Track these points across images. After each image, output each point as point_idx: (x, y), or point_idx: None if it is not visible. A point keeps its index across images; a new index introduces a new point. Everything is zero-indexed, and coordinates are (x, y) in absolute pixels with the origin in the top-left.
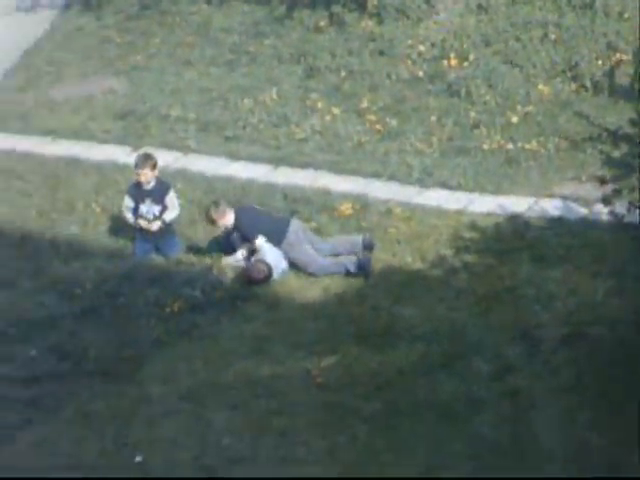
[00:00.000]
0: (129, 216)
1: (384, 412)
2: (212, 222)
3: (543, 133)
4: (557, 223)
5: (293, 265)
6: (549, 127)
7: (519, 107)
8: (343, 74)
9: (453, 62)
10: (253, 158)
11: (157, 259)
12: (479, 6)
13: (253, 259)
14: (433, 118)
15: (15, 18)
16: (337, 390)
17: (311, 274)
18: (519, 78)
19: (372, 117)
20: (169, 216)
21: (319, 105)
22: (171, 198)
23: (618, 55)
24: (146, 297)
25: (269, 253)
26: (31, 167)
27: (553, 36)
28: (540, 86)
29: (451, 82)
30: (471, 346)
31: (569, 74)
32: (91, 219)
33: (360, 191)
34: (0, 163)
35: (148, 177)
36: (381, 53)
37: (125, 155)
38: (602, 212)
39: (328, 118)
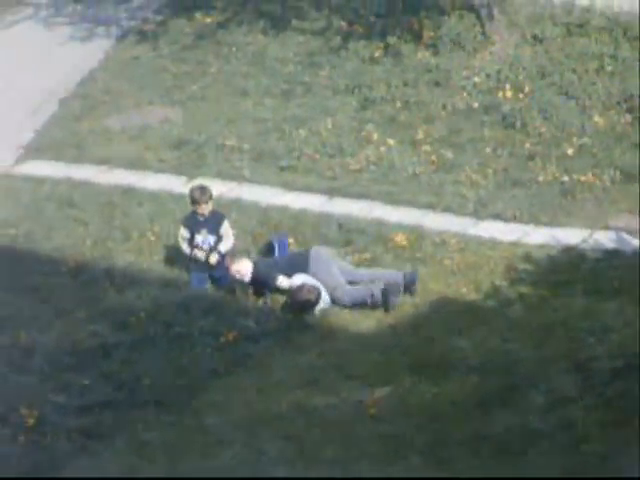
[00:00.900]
0: (185, 247)
1: (438, 444)
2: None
3: (598, 165)
4: (612, 255)
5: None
6: (604, 159)
7: (574, 139)
8: (398, 105)
9: (508, 93)
10: (308, 188)
11: (212, 289)
12: (534, 37)
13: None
14: (488, 149)
15: (70, 47)
16: (391, 421)
17: (340, 301)
18: (574, 110)
19: (427, 148)
20: (224, 247)
21: (374, 136)
22: (226, 228)
23: None
24: (201, 327)
25: (298, 279)
26: (87, 196)
27: (609, 68)
28: (595, 118)
29: (506, 113)
30: (525, 378)
31: (624, 106)
32: (146, 248)
33: (415, 222)
34: (56, 192)
35: (206, 210)
36: (436, 84)
37: (180, 185)
38: None
39: (383, 149)
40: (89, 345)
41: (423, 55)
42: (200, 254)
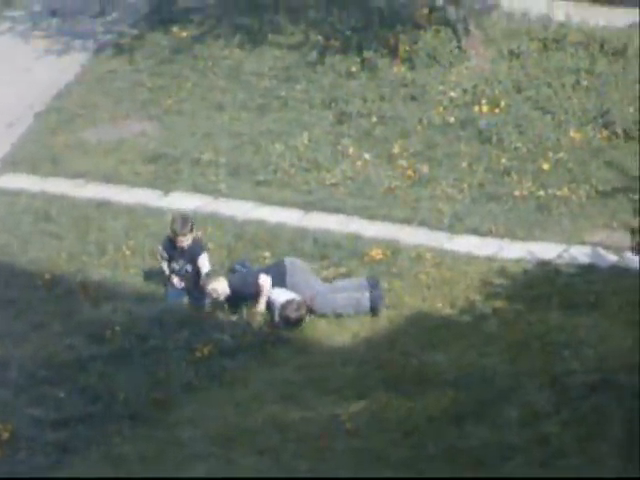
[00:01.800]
0: (164, 266)
1: (413, 458)
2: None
3: (574, 180)
4: (587, 270)
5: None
6: (580, 174)
7: (550, 154)
8: (374, 119)
9: (484, 108)
10: (284, 203)
11: (188, 305)
12: (511, 52)
13: (286, 299)
14: (464, 164)
15: (47, 61)
16: (366, 436)
17: (320, 310)
18: (550, 125)
19: (403, 163)
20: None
21: (350, 150)
22: (203, 260)
23: None
24: (176, 341)
25: (277, 293)
26: (62, 210)
27: (585, 83)
28: (572, 133)
29: (482, 128)
30: (501, 393)
31: (601, 121)
32: (121, 262)
33: (391, 236)
34: (32, 205)
35: (185, 242)
36: (412, 99)
37: (156, 199)
38: (633, 260)
39: (359, 163)
40: (64, 358)
41: (399, 70)
42: (176, 280)
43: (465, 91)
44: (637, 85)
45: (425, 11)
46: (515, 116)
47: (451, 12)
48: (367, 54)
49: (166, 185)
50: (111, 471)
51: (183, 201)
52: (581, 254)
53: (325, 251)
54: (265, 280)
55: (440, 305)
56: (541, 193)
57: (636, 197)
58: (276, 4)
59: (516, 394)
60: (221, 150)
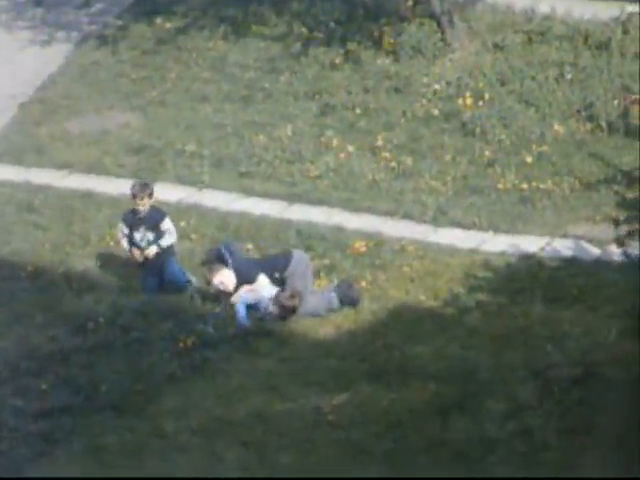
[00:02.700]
0: (125, 244)
1: (396, 451)
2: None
3: (558, 173)
4: (570, 263)
5: None
6: (564, 167)
7: (534, 147)
8: (358, 111)
9: (468, 101)
10: (267, 194)
11: (167, 296)
12: (495, 45)
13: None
14: (448, 157)
15: (30, 52)
16: (348, 428)
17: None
18: (534, 118)
19: (387, 155)
20: (165, 241)
21: (334, 142)
22: (167, 224)
23: (633, 96)
24: (159, 332)
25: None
26: (46, 200)
27: (569, 76)
28: (555, 126)
29: (466, 121)
30: (484, 385)
31: (584, 114)
32: (105, 253)
33: (374, 229)
34: (15, 196)
35: (146, 206)
36: (397, 91)
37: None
38: (615, 253)
39: (343, 155)
40: (47, 350)
41: (383, 62)
42: (137, 253)
43: (449, 84)
44: (620, 78)
45: (409, 3)
46: (499, 109)
47: (435, 4)
48: (351, 46)
49: (150, 176)
50: (94, 462)
51: (167, 192)
52: (564, 247)
53: (309, 243)
54: (263, 281)
55: (423, 297)
56: (524, 186)
57: (620, 189)
58: None
59: (499, 387)
60: (205, 141)
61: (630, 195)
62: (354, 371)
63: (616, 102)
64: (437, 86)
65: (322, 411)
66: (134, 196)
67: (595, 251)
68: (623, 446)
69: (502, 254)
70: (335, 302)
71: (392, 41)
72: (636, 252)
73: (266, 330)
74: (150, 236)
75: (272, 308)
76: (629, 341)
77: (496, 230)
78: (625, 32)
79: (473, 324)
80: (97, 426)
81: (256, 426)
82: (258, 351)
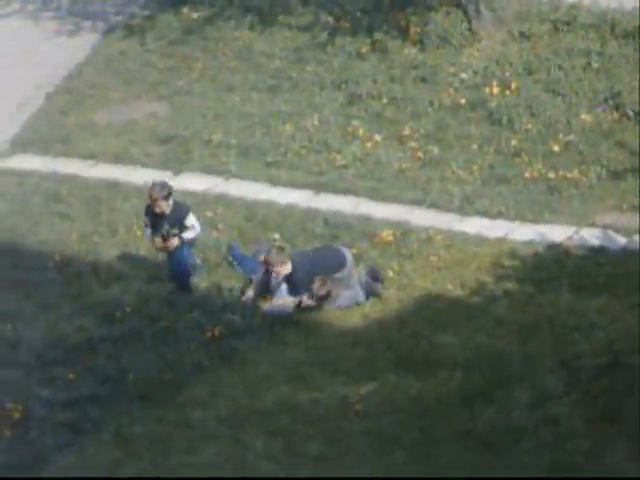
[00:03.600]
0: (148, 233)
1: (423, 440)
2: (269, 264)
3: (584, 162)
4: (597, 252)
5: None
6: (591, 156)
7: (561, 136)
8: (385, 101)
9: (495, 90)
10: (294, 184)
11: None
12: (521, 34)
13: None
14: (474, 146)
15: (57, 42)
16: (375, 417)
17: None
18: (561, 107)
19: (413, 144)
20: (189, 235)
21: (360, 132)
22: (191, 220)
23: None
24: (187, 321)
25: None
26: (72, 190)
27: (596, 65)
28: (582, 115)
29: (493, 110)
30: (511, 374)
31: (611, 103)
32: (132, 243)
33: (401, 218)
34: (42, 186)
35: (163, 208)
36: (423, 80)
37: (167, 179)
38: None
39: (369, 145)
40: (75, 339)
41: (410, 51)
42: (158, 242)
43: (476, 73)
44: None
45: None
46: (526, 98)
47: None
48: (378, 35)
49: (176, 166)
50: (121, 452)
51: (193, 182)
52: (591, 236)
53: (335, 232)
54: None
55: (450, 287)
56: (551, 175)
57: None
58: None
59: (526, 376)
60: (231, 131)
61: None
62: (381, 360)
63: None
64: (464, 75)
65: (349, 400)
66: (152, 198)
67: (622, 240)
68: None
69: (529, 243)
70: (362, 296)
71: (419, 30)
72: None
73: (293, 320)
74: (174, 231)
75: (309, 301)
76: None
77: (523, 219)
78: None
79: (500, 313)
80: (124, 416)
81: (283, 415)
82: (285, 340)
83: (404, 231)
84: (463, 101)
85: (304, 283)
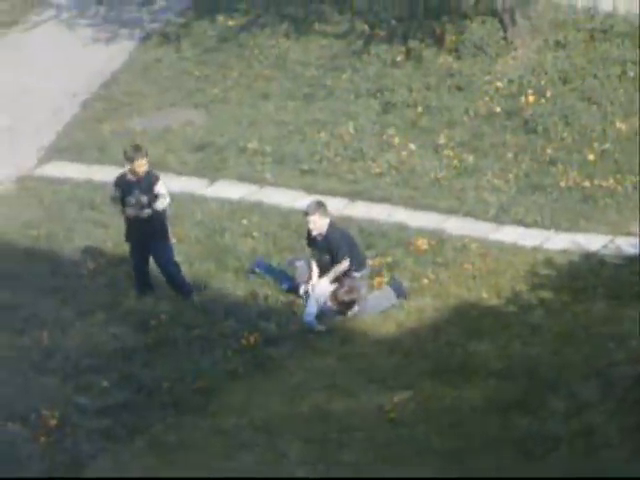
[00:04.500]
0: (115, 204)
1: (458, 448)
2: (306, 214)
3: (620, 171)
4: (633, 261)
5: None
6: (626, 165)
7: (596, 144)
8: (420, 109)
9: (530, 99)
10: (329, 192)
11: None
12: (557, 43)
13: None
14: (510, 155)
15: (93, 49)
16: (410, 425)
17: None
18: (596, 115)
19: (449, 153)
20: (159, 205)
21: (396, 140)
22: (160, 187)
23: None
24: (221, 329)
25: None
26: (107, 198)
27: (631, 73)
28: (618, 123)
29: (528, 119)
30: (546, 383)
31: None
32: None
33: (436, 226)
34: (77, 193)
35: (141, 167)
36: (458, 89)
37: (202, 187)
38: None
39: (405, 153)
40: (109, 347)
41: (445, 59)
42: (130, 210)
43: (511, 81)
44: None
45: (471, 1)
46: (561, 106)
47: (498, 2)
48: (412, 44)
49: (212, 174)
50: (155, 459)
51: (228, 190)
52: (627, 245)
53: (371, 240)
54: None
55: (485, 295)
56: (587, 184)
57: None
58: None
59: (561, 385)
60: (267, 139)
61: None
62: (416, 368)
63: None
64: (499, 84)
65: (384, 408)
66: (131, 159)
67: None
68: None
69: (564, 252)
70: (393, 297)
71: (454, 39)
72: None
73: (328, 328)
74: (144, 199)
75: (330, 303)
76: None
77: (558, 228)
78: None
79: (535, 322)
80: (158, 423)
81: (318, 423)
82: (320, 348)
83: (439, 239)
84: (498, 109)
85: (342, 247)
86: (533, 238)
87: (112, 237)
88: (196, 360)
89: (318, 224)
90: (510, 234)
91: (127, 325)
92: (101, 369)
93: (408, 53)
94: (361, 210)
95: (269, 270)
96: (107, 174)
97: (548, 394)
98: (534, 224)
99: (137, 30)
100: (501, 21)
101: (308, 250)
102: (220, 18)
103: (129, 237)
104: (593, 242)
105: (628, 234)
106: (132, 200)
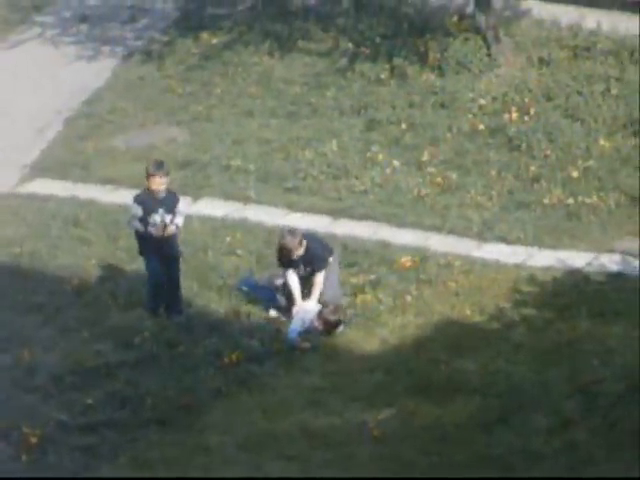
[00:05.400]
0: (137, 225)
1: (441, 466)
2: (286, 249)
3: (603, 188)
4: (616, 278)
5: None
6: (610, 182)
7: (580, 162)
8: (404, 126)
9: (514, 116)
10: (313, 209)
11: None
12: (540, 60)
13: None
14: (493, 172)
15: (76, 67)
16: (394, 443)
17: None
18: (580, 132)
19: (432, 170)
20: (180, 221)
21: (379, 157)
22: (182, 205)
23: None
24: (205, 347)
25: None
26: (92, 215)
27: (615, 91)
28: (601, 141)
29: (512, 136)
30: (529, 400)
31: (630, 129)
32: None
33: (420, 244)
34: (61, 211)
35: (163, 185)
36: (442, 106)
37: (185, 205)
38: None
39: (388, 171)
40: (93, 364)
41: (429, 77)
42: (155, 230)
43: (495, 99)
44: None
45: (455, 19)
46: (545, 124)
47: (481, 20)
48: (397, 61)
49: (195, 191)
50: (138, 476)
51: (212, 207)
52: (610, 262)
53: (354, 258)
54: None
55: (469, 312)
56: (570, 201)
57: None
58: (306, 11)
59: (544, 402)
60: (250, 157)
61: None
62: (399, 386)
63: None
64: (483, 101)
65: (367, 426)
66: (152, 176)
67: None
68: None
69: (548, 269)
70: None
71: (438, 56)
72: None
73: (312, 345)
74: (168, 218)
75: (317, 323)
76: None
77: (542, 245)
78: None
79: (518, 339)
80: (142, 440)
81: (301, 440)
82: (303, 365)
83: (423, 257)
84: (482, 127)
85: (323, 256)
86: (517, 255)
87: (96, 254)
88: (179, 377)
89: (299, 250)
90: (493, 251)
91: (111, 342)
92: (84, 386)
93: (392, 71)
94: (345, 228)
95: (255, 288)
96: (91, 191)
97: (531, 411)
98: (517, 241)
99: (120, 48)
100: (484, 38)
101: (282, 269)
102: (204, 36)
103: (148, 254)
104: (577, 259)
105: (611, 251)
106: (157, 219)
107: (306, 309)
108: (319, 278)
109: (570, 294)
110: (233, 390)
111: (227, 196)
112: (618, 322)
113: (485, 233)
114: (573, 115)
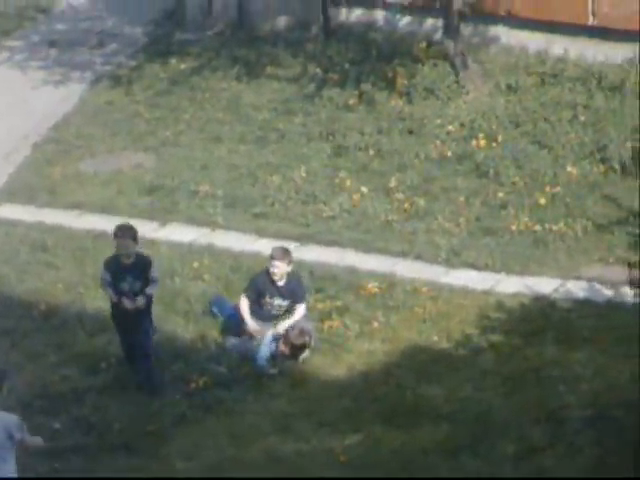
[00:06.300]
0: (112, 293)
1: None
2: (272, 258)
3: (571, 215)
4: (583, 305)
5: None
6: (577, 209)
7: (547, 188)
8: (372, 153)
9: (482, 142)
10: (281, 235)
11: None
12: (508, 86)
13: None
14: (461, 198)
15: (44, 92)
16: (361, 469)
17: None
18: (547, 159)
19: (400, 196)
20: (152, 289)
21: (347, 183)
22: (155, 272)
23: None
24: (171, 372)
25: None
26: (59, 240)
27: (582, 118)
28: (568, 167)
29: (479, 162)
30: (496, 427)
31: (598, 156)
32: None
33: (387, 270)
34: (29, 236)
35: (132, 249)
36: (410, 132)
37: (152, 231)
38: (628, 295)
39: (356, 197)
40: (60, 389)
41: (397, 103)
42: (128, 304)
43: (462, 125)
44: (634, 120)
45: (423, 45)
46: (512, 150)
47: (449, 46)
48: (365, 87)
49: (163, 217)
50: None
51: (179, 233)
52: (577, 289)
53: (321, 284)
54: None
55: (436, 339)
56: (538, 227)
57: (633, 231)
58: (274, 36)
59: (511, 428)
60: (218, 182)
61: None
62: (366, 412)
63: (629, 144)
64: (450, 127)
65: (334, 452)
66: (119, 240)
67: (608, 293)
68: None
69: (515, 295)
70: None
71: (405, 82)
72: None
73: (279, 370)
74: (138, 286)
75: (282, 347)
76: None
77: (509, 271)
78: (639, 74)
79: (485, 365)
80: (109, 466)
81: (268, 466)
82: (271, 391)
83: (390, 283)
84: (449, 153)
85: (304, 289)
86: (484, 281)
87: (63, 279)
88: (146, 403)
89: (282, 270)
90: (461, 277)
91: (78, 367)
92: (51, 411)
93: (360, 97)
94: (312, 253)
95: (224, 308)
96: (58, 216)
97: (498, 437)
98: (485, 267)
99: (88, 73)
100: (453, 65)
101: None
102: (172, 61)
103: (116, 320)
104: (544, 286)
105: (578, 278)
106: (125, 287)
107: (272, 334)
108: (301, 310)
109: (537, 320)
110: (200, 416)
111: (194, 221)
112: (584, 348)
113: (452, 259)
114: (540, 142)
